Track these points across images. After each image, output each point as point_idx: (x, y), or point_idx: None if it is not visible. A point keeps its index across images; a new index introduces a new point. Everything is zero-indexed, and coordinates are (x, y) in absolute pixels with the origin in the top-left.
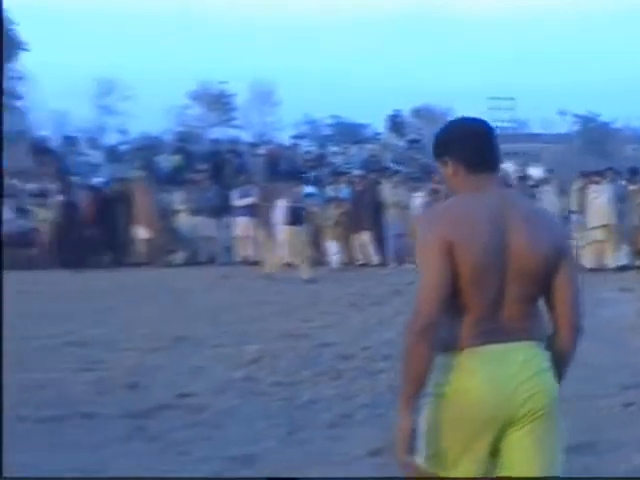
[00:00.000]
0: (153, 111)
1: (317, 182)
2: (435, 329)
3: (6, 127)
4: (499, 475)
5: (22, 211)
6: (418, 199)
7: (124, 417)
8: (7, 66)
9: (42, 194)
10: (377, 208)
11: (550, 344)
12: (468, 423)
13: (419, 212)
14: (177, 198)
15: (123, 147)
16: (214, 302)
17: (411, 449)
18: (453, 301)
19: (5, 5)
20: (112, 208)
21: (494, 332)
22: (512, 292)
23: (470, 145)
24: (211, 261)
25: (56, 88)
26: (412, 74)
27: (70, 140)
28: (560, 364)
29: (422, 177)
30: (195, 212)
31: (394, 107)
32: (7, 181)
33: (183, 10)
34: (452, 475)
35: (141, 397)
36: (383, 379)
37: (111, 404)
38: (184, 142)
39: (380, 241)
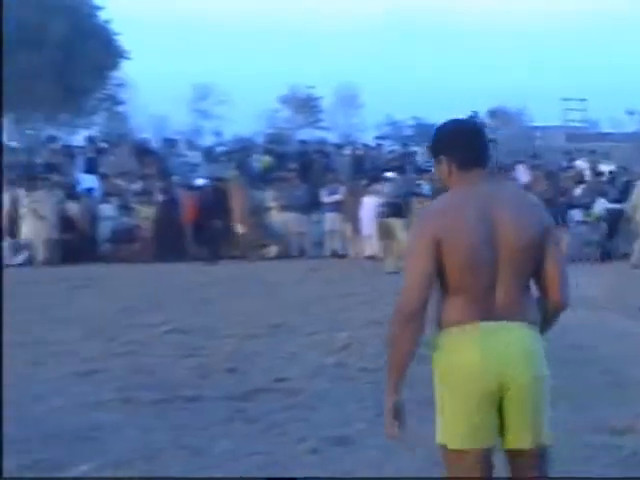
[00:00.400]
0: (245, 114)
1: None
2: (422, 314)
3: (109, 130)
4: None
5: (126, 209)
6: None
7: (225, 400)
8: (110, 74)
9: (145, 193)
10: None
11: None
12: (464, 396)
13: None
14: (269, 196)
15: (219, 148)
16: (305, 293)
17: (399, 423)
18: (449, 284)
19: (108, 16)
20: (209, 206)
21: (487, 312)
22: (504, 276)
23: (461, 144)
24: (301, 255)
25: (156, 94)
26: (488, 77)
27: (170, 142)
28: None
29: (498, 174)
30: (286, 209)
31: (471, 108)
32: (112, 181)
33: (273, 19)
34: (466, 446)
35: (240, 381)
36: None
37: (212, 388)
38: (274, 143)
39: None
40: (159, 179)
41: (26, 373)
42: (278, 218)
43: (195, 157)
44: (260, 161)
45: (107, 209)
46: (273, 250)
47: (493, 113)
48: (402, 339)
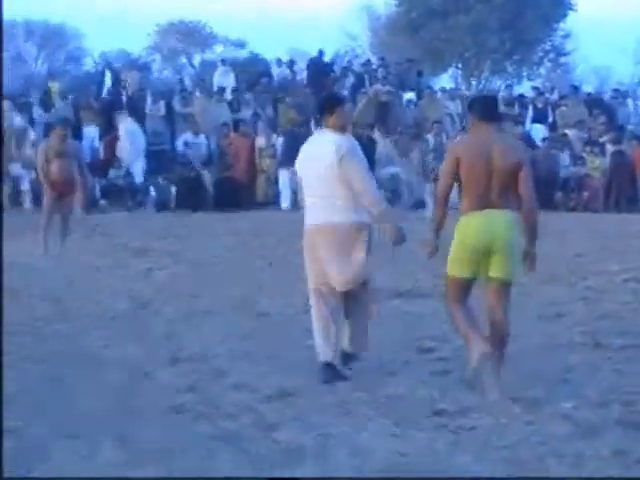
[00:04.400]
0: None
1: None
2: (446, 198)
3: (551, 81)
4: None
5: (577, 158)
6: None
7: None
8: (556, 25)
9: (595, 143)
10: None
11: (523, 219)
12: (467, 246)
13: None
14: None
15: None
16: None
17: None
18: (465, 188)
19: None
20: None
21: (486, 205)
22: (496, 184)
23: (477, 107)
24: None
25: (599, 45)
26: None
27: (618, 93)
28: (531, 228)
29: None
30: None
31: None
32: (562, 131)
33: None
34: (457, 274)
35: None
36: None
37: None
38: None
39: None
40: (609, 130)
41: None
42: None
43: None
44: None
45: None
46: None
47: None
48: (439, 208)
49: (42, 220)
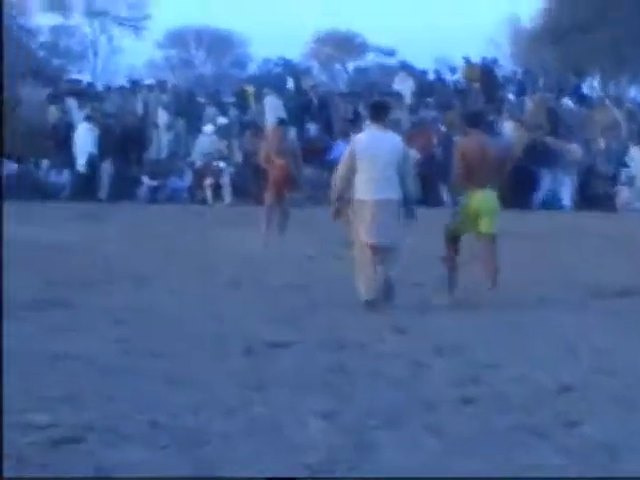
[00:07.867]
0: None
1: None
2: (464, 177)
3: None
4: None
5: None
6: None
7: None
8: None
9: None
10: None
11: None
12: (466, 213)
13: None
14: None
15: None
16: None
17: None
18: (468, 173)
19: None
20: None
21: (482, 185)
22: (487, 171)
23: (472, 120)
24: None
25: None
26: None
27: None
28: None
29: None
30: None
31: None
32: None
33: None
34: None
35: None
36: None
37: None
38: None
39: None
40: None
41: None
42: None
43: None
44: None
45: None
46: None
47: None
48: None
49: (264, 214)
